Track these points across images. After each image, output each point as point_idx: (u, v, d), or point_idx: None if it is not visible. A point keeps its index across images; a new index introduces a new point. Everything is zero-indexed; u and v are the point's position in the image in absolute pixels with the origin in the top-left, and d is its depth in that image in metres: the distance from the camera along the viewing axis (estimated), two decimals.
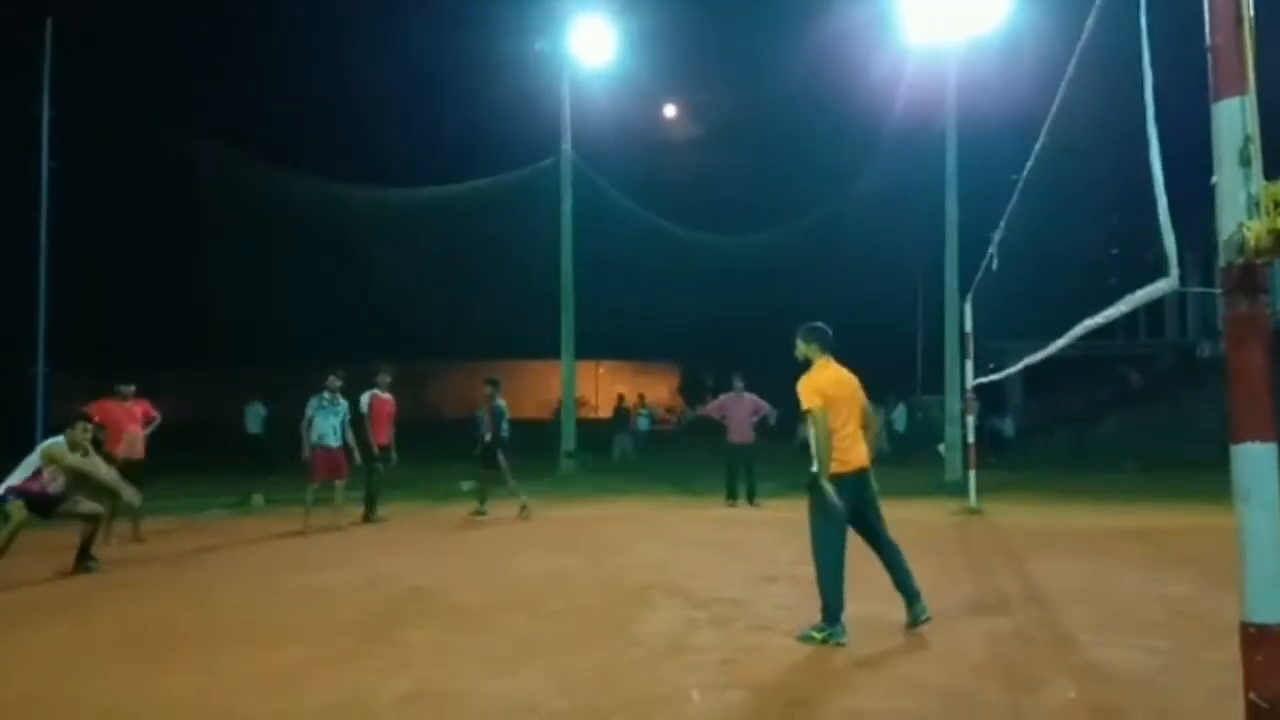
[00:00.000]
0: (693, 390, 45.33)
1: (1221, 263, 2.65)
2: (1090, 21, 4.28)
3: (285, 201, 21.61)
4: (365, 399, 12.05)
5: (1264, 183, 2.61)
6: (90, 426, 8.70)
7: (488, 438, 12.70)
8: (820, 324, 5.96)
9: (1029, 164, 6.43)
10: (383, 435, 12.10)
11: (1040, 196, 7.90)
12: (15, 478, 8.26)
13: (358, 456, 11.77)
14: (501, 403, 12.88)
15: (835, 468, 5.56)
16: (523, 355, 45.03)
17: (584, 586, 7.61)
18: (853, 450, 5.67)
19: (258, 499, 14.30)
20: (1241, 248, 2.57)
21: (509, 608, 6.75)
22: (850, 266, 31.13)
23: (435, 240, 25.40)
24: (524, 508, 12.48)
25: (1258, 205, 2.59)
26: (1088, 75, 4.68)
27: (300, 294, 30.90)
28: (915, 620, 5.73)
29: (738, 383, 14.16)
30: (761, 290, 33.23)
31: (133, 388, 10.77)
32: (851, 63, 24.42)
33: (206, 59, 33.10)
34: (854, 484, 5.65)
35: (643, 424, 27.72)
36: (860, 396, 5.86)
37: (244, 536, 10.93)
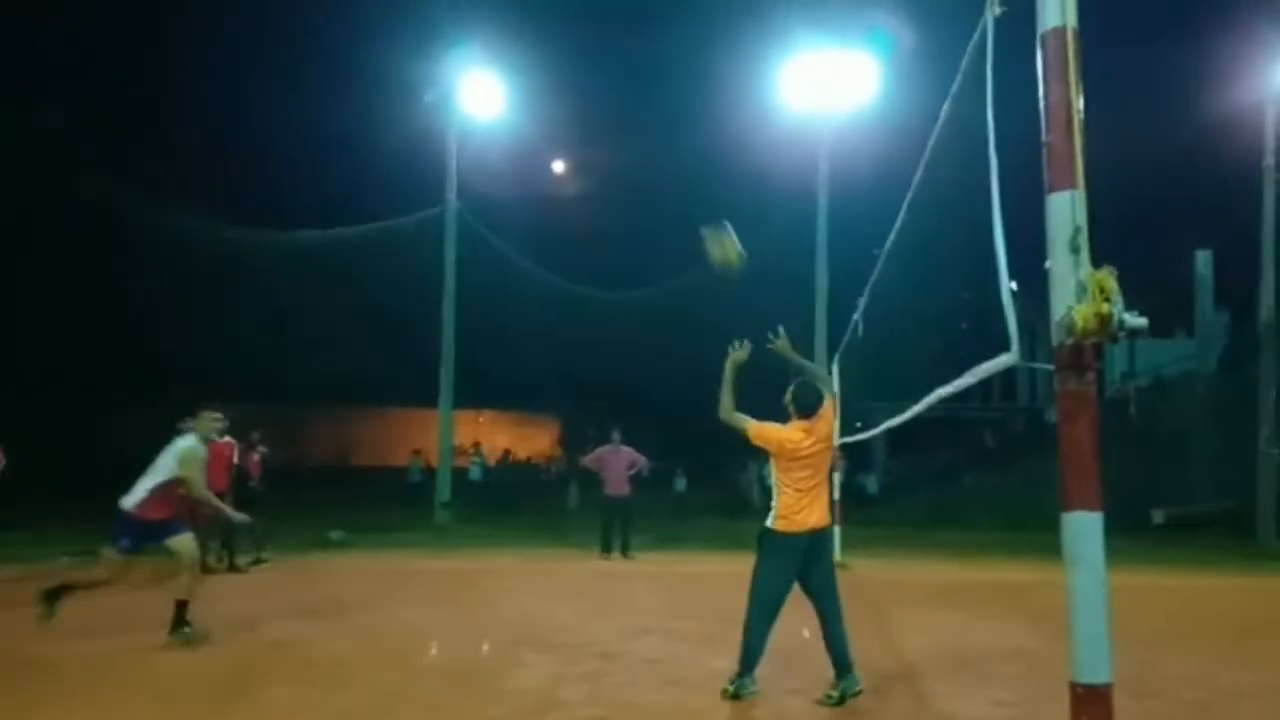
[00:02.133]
0: (574, 441, 45.22)
1: (1054, 342, 2.88)
2: (944, 110, 4.62)
3: (160, 236, 20.77)
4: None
5: (1091, 270, 2.87)
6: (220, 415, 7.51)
7: (253, 485, 12.55)
8: (807, 383, 5.84)
9: (890, 239, 6.82)
10: (215, 482, 11.52)
11: (902, 269, 8.35)
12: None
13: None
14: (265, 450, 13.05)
15: (785, 526, 5.56)
16: (402, 403, 44.07)
17: (453, 640, 7.49)
18: (807, 510, 5.58)
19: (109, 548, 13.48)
20: (1071, 329, 2.80)
21: (374, 662, 6.58)
22: (727, 325, 31.73)
23: (316, 285, 24.81)
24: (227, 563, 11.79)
25: (1085, 290, 2.84)
26: (944, 159, 5.04)
27: (171, 330, 29.59)
28: (843, 694, 5.45)
29: (615, 435, 14.29)
30: (643, 345, 33.61)
31: None
32: (734, 127, 25.33)
33: (100, 98, 32.23)
34: (804, 544, 5.58)
35: (474, 473, 26.78)
36: (826, 461, 5.77)
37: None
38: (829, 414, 5.85)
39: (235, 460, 11.82)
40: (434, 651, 7.03)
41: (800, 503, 5.58)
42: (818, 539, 5.64)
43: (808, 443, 5.64)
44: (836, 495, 13.50)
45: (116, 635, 7.63)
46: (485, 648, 7.19)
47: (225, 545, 11.63)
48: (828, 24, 19.04)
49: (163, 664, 6.55)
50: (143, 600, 9.64)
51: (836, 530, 13.52)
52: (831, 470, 5.89)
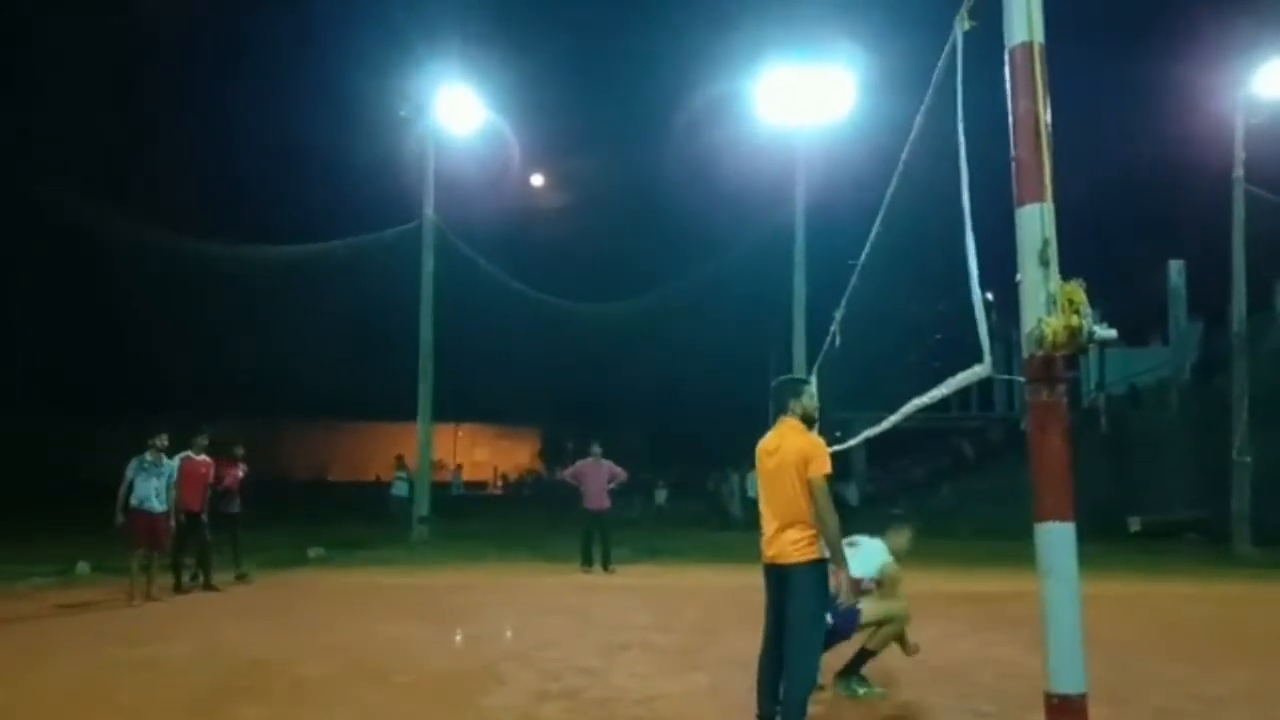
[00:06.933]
0: (553, 455, 45.14)
1: (1024, 354, 2.90)
2: (918, 121, 4.66)
3: (139, 255, 20.61)
4: (175, 461, 11.39)
5: (1060, 282, 2.89)
6: None
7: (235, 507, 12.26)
8: (784, 379, 5.28)
9: (865, 250, 6.87)
10: (190, 500, 11.42)
11: (878, 280, 8.40)
12: None
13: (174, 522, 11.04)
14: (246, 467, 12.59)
15: (762, 552, 4.84)
16: (380, 417, 43.92)
17: (432, 657, 7.43)
18: (766, 539, 4.78)
19: (83, 566, 13.32)
20: (1041, 341, 2.82)
21: (353, 680, 6.52)
22: (705, 337, 32.08)
23: (294, 300, 24.66)
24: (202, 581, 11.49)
25: (1055, 302, 2.86)
26: (919, 171, 5.08)
27: (149, 349, 29.39)
28: None
29: (595, 449, 14.27)
30: (620, 358, 33.67)
31: None
32: (712, 141, 25.47)
33: (82, 117, 32.44)
34: (772, 576, 4.80)
35: (399, 489, 22.92)
36: (788, 475, 4.70)
37: (67, 607, 10.15)
38: (802, 442, 4.81)
39: (211, 479, 11.67)
40: (415, 668, 6.96)
41: (763, 526, 4.86)
42: (775, 574, 4.77)
43: (768, 447, 4.88)
44: None
45: (89, 653, 7.53)
46: (466, 664, 7.14)
47: (200, 564, 11.49)
48: (804, 39, 19.22)
49: (140, 683, 6.46)
50: (114, 618, 9.55)
51: None
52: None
